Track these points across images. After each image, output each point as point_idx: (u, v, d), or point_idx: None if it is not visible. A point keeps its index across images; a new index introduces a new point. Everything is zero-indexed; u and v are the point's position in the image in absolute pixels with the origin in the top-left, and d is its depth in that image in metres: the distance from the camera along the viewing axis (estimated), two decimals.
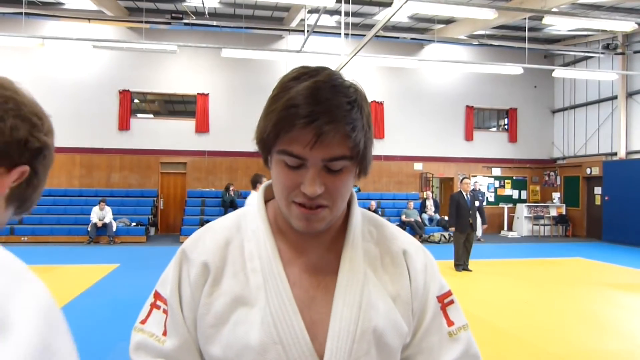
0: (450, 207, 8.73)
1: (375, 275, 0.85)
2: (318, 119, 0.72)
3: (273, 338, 0.78)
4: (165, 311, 0.87)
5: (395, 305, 0.84)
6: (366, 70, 15.50)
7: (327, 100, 0.72)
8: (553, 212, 16.04)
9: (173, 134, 14.74)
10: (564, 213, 16.02)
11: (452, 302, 0.90)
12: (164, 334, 0.86)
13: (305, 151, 0.74)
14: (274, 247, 0.84)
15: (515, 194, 16.92)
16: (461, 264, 8.69)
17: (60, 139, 11.56)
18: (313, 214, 0.78)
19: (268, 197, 0.92)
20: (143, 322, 0.89)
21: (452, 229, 8.84)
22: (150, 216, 14.00)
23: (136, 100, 15.34)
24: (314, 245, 0.86)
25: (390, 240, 0.90)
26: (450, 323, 0.88)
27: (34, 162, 0.69)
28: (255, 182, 6.22)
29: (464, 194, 8.67)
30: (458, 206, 8.55)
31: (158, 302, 0.88)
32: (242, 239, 0.87)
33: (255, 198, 0.93)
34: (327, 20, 13.85)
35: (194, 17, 13.17)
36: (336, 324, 0.79)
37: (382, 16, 12.22)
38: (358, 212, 0.90)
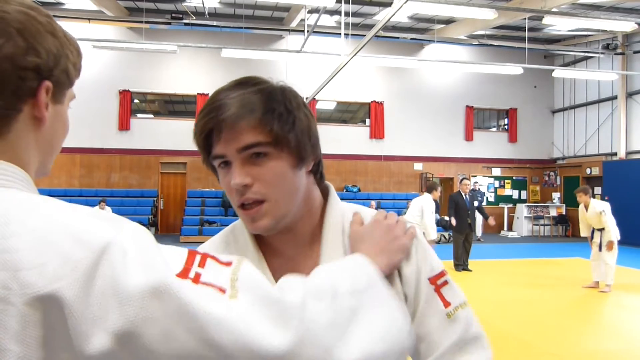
0: (449, 208, 8.74)
1: None
2: (213, 113, 0.74)
3: None
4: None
5: None
6: (366, 70, 15.50)
7: (226, 96, 0.75)
8: (553, 212, 16.05)
9: (173, 134, 14.74)
10: (563, 213, 16.02)
11: (446, 282, 0.86)
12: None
13: (219, 148, 0.76)
14: (262, 259, 0.84)
15: (515, 194, 16.92)
16: (461, 264, 8.69)
17: None
18: (254, 213, 0.77)
19: None
20: None
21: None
22: (150, 216, 14.00)
23: (136, 100, 15.35)
24: (296, 247, 0.86)
25: None
26: (446, 304, 0.84)
27: (53, 74, 0.69)
28: None
29: (463, 194, 8.69)
30: (457, 207, 8.55)
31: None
32: (237, 250, 0.87)
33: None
34: (327, 20, 13.85)
35: (194, 17, 13.17)
36: None
37: (382, 16, 12.21)
38: (336, 205, 0.89)
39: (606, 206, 7.14)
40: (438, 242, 13.49)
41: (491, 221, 9.58)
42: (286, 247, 0.86)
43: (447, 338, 0.82)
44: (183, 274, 0.55)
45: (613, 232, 6.96)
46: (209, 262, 0.58)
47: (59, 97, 0.70)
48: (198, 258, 0.58)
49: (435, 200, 7.76)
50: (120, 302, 0.50)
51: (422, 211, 6.59)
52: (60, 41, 0.69)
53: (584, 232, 7.45)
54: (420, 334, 0.83)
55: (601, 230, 7.10)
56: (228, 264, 0.60)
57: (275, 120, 0.75)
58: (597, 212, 7.06)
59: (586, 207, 7.23)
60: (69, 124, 0.74)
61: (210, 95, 0.80)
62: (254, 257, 0.85)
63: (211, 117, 0.75)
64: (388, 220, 0.85)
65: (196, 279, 0.55)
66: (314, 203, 0.87)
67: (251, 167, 0.76)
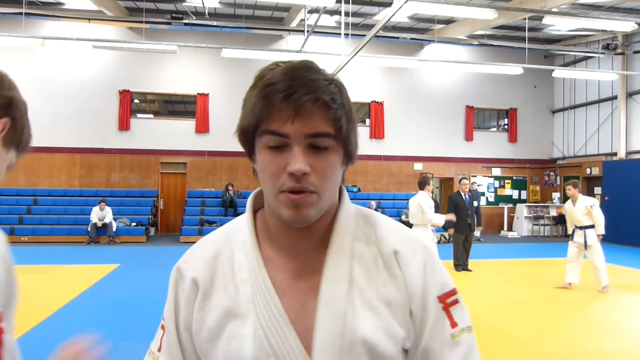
0: (449, 208, 8.74)
1: (368, 279, 0.80)
2: (296, 91, 0.71)
3: (267, 351, 0.76)
4: (163, 327, 0.88)
5: (389, 309, 0.79)
6: (366, 70, 15.50)
7: (304, 76, 0.73)
8: (553, 212, 16.04)
9: (173, 134, 14.74)
10: (564, 213, 15.99)
11: (456, 301, 0.83)
12: (159, 349, 0.87)
13: (286, 127, 0.72)
14: (259, 257, 0.82)
15: (515, 194, 16.92)
16: (460, 264, 8.70)
17: (60, 139, 11.49)
18: (301, 200, 0.74)
19: (257, 206, 0.89)
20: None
21: (451, 230, 8.86)
22: (150, 216, 14.00)
23: (136, 100, 15.34)
24: (304, 247, 0.82)
25: (381, 241, 0.83)
26: (453, 324, 0.81)
27: (10, 113, 0.86)
28: None
29: (462, 194, 8.69)
30: (456, 207, 8.56)
31: (162, 321, 0.89)
32: (232, 251, 0.85)
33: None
34: (327, 20, 13.86)
35: (194, 17, 13.17)
36: (322, 337, 0.75)
37: (382, 16, 12.22)
38: (348, 209, 0.86)
39: (595, 201, 7.09)
40: (438, 242, 13.50)
41: (477, 232, 9.62)
42: (293, 247, 0.82)
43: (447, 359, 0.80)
44: None
45: (602, 226, 6.90)
46: None
47: None
48: None
49: (434, 200, 7.77)
50: None
51: (421, 208, 6.57)
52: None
53: (570, 229, 7.32)
54: (427, 352, 0.80)
55: (584, 228, 6.98)
56: None
57: (344, 116, 0.75)
58: (586, 206, 6.98)
59: (574, 202, 7.11)
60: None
61: (278, 68, 0.75)
62: (252, 255, 0.82)
63: (294, 93, 0.72)
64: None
65: None
66: (334, 203, 0.84)
67: (311, 156, 0.74)
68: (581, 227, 7.04)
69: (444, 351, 0.80)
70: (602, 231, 6.93)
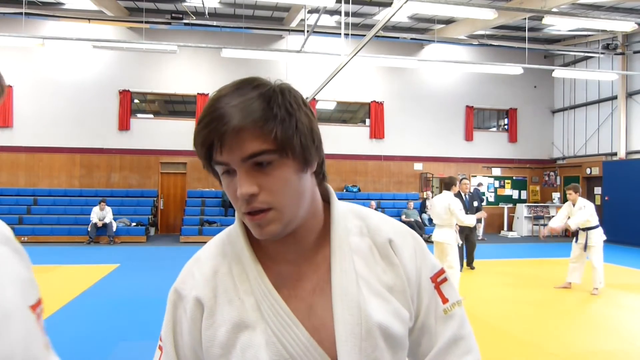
0: None
1: (368, 268, 0.85)
2: (214, 123, 0.72)
3: (283, 355, 0.78)
4: (160, 347, 0.89)
5: (392, 294, 0.84)
6: (366, 70, 15.51)
7: (226, 104, 0.73)
8: (553, 212, 16.02)
9: (173, 134, 14.74)
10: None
11: (445, 279, 0.91)
12: None
13: (223, 156, 0.74)
14: (259, 266, 0.84)
15: (515, 194, 16.92)
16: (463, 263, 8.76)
17: (61, 139, 11.47)
18: (260, 220, 0.76)
19: None
20: None
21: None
22: (150, 216, 14.00)
23: (136, 100, 15.34)
24: (299, 252, 0.85)
25: (374, 232, 0.88)
26: (444, 300, 0.90)
27: None
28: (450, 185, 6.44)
29: (463, 194, 8.65)
30: None
31: (159, 342, 0.91)
32: (229, 264, 0.86)
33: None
34: (327, 20, 13.86)
35: (194, 17, 13.17)
36: (342, 329, 0.79)
37: (382, 16, 12.22)
38: (339, 207, 0.89)
39: (589, 204, 7.06)
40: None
41: (480, 231, 9.65)
42: (287, 252, 0.85)
43: (443, 333, 0.88)
44: None
45: (577, 224, 6.91)
46: None
47: None
48: None
49: (461, 195, 7.75)
50: None
51: (450, 210, 6.35)
52: None
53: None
54: (423, 328, 0.88)
55: (586, 230, 7.01)
56: None
57: (278, 126, 0.73)
58: (580, 207, 7.00)
59: (574, 205, 7.12)
60: None
61: (209, 99, 0.77)
62: (250, 265, 0.84)
63: (213, 127, 0.73)
64: None
65: None
66: (317, 205, 0.86)
67: (257, 176, 0.75)
68: (584, 229, 7.06)
69: (438, 325, 0.88)
70: (574, 227, 6.95)
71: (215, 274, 0.86)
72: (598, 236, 6.99)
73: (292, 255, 0.85)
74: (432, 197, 14.89)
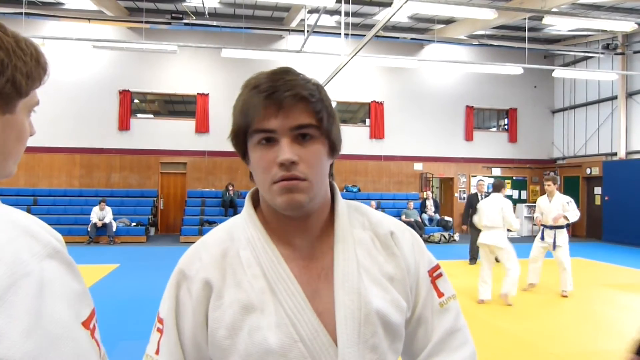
0: (466, 207, 9.56)
1: (370, 258, 0.90)
2: (277, 90, 0.80)
3: (293, 337, 0.81)
4: (159, 330, 0.89)
5: (392, 284, 0.89)
6: (366, 70, 15.51)
7: (283, 78, 0.81)
8: None
9: (173, 134, 14.74)
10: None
11: (440, 274, 0.96)
12: (157, 352, 0.89)
13: (272, 122, 0.80)
14: (275, 250, 0.87)
15: (515, 194, 16.91)
16: (476, 257, 8.93)
17: (60, 139, 11.47)
18: (293, 185, 0.81)
19: (255, 204, 0.94)
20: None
21: (465, 227, 9.60)
22: (150, 216, 14.00)
23: (136, 100, 15.35)
24: (306, 238, 0.89)
25: (377, 225, 0.94)
26: (440, 294, 0.94)
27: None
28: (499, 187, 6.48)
29: (479, 194, 9.33)
30: (472, 206, 8.95)
31: (157, 324, 0.91)
32: (237, 248, 0.88)
33: None
34: (327, 20, 13.86)
35: (194, 17, 13.17)
36: (342, 312, 0.83)
37: (382, 16, 12.22)
38: (342, 201, 0.95)
39: (571, 199, 6.79)
40: (438, 242, 13.50)
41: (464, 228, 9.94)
42: (295, 236, 0.89)
43: (440, 325, 0.93)
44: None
45: (575, 216, 6.66)
46: None
47: (7, 107, 0.70)
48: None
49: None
50: None
51: (504, 213, 6.25)
52: (6, 52, 0.68)
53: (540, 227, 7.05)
54: (420, 319, 0.93)
55: (554, 228, 6.71)
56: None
57: (324, 109, 0.83)
58: (563, 203, 6.70)
59: (550, 198, 6.84)
60: (26, 131, 0.75)
61: (258, 76, 0.83)
62: (265, 247, 0.87)
63: (273, 93, 0.79)
64: None
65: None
66: (327, 196, 0.92)
67: (298, 147, 0.81)
68: (551, 227, 6.79)
69: (434, 318, 0.93)
70: (574, 219, 6.67)
71: (224, 256, 0.88)
72: (565, 236, 6.73)
73: (300, 241, 0.89)
74: (432, 197, 14.92)
